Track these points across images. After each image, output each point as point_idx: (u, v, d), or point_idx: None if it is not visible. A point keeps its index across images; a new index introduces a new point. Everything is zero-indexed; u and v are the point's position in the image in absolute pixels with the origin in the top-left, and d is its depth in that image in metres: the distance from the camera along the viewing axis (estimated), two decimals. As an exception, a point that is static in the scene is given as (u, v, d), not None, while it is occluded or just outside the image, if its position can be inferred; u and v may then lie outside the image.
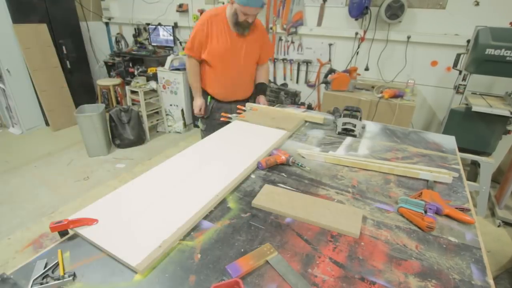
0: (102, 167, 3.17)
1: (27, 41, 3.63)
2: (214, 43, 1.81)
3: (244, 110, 1.84)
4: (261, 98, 2.05)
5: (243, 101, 2.03)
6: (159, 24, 4.21)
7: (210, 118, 2.07)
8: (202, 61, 1.94)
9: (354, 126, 1.56)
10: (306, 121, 1.76)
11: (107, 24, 4.93)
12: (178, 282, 0.70)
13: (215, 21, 1.77)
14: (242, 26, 1.75)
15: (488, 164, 2.35)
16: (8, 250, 2.05)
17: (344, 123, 1.57)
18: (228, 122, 1.70)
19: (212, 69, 1.91)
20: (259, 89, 2.07)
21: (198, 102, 2.02)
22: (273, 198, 1.00)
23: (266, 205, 0.97)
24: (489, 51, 2.08)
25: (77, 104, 3.84)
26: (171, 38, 4.19)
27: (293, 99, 3.49)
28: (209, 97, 2.03)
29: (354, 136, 1.57)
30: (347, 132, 1.58)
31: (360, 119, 1.60)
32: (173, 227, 0.85)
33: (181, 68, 3.77)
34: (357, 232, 0.86)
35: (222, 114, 1.78)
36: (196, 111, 2.04)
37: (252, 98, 2.12)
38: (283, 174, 1.20)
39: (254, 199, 1.00)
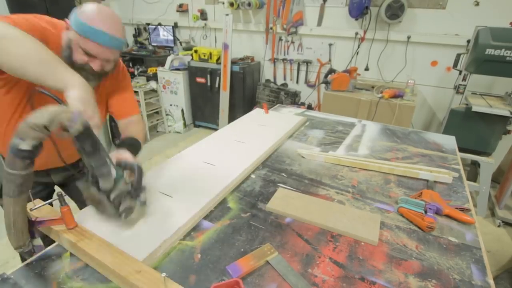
0: (102, 167, 3.17)
1: (27, 41, 3.63)
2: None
3: None
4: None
5: (72, 167, 1.17)
6: (159, 24, 4.21)
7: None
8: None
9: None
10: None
11: (107, 24, 4.93)
12: (178, 282, 0.70)
13: (48, 39, 0.90)
14: (85, 74, 0.88)
15: (488, 164, 2.35)
16: (8, 250, 2.05)
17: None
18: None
19: (16, 111, 0.97)
20: (127, 143, 1.02)
21: (77, 80, 0.77)
22: (288, 202, 0.98)
23: (280, 209, 0.95)
24: (489, 51, 2.08)
25: (77, 104, 3.84)
26: (171, 38, 4.19)
27: (293, 99, 3.49)
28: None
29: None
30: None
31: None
32: (173, 227, 0.85)
33: (181, 68, 3.77)
34: (375, 239, 0.84)
35: None
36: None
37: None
38: (283, 174, 1.20)
39: (269, 203, 0.98)
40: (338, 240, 0.85)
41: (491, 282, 0.73)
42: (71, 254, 0.78)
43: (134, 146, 1.04)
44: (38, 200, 0.84)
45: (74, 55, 0.92)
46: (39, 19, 0.94)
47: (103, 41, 0.89)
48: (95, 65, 0.93)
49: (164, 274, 0.62)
